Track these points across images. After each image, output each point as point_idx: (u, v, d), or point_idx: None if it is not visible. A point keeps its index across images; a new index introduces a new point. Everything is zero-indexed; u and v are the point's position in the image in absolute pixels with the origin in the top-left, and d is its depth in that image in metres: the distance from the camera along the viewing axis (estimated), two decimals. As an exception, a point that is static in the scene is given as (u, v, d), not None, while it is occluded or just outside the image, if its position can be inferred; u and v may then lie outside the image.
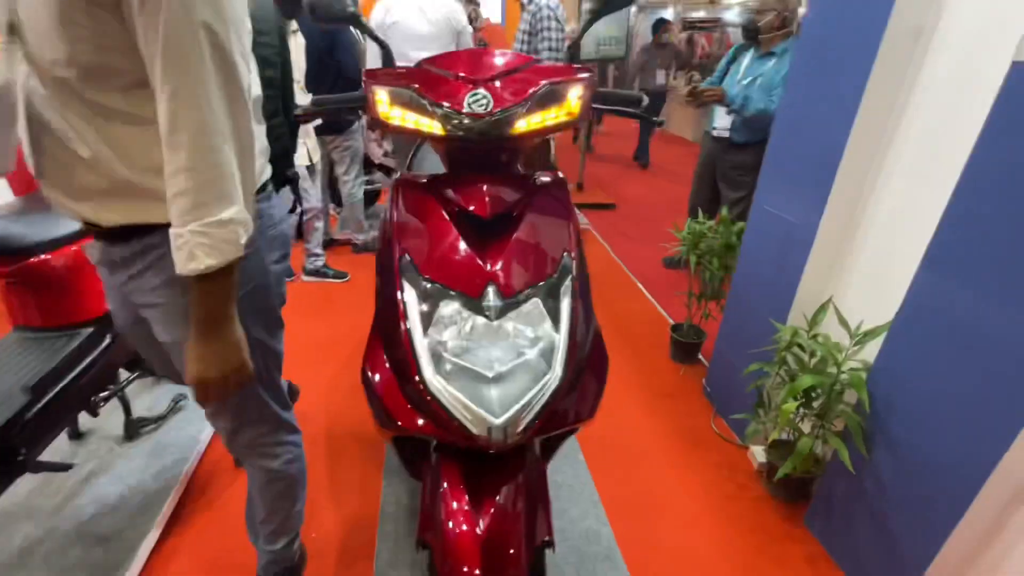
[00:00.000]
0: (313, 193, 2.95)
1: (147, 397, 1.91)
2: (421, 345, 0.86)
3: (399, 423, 0.90)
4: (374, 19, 2.89)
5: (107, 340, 1.56)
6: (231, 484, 1.69)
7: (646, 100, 1.11)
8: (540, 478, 0.98)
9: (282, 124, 1.17)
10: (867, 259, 1.53)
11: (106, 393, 1.58)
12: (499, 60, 1.02)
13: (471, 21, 3.67)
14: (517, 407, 0.82)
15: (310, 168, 2.83)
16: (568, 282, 0.94)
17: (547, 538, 0.95)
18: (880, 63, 1.34)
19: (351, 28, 3.44)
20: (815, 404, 1.53)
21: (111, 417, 1.76)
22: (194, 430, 1.78)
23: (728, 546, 1.57)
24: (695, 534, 1.60)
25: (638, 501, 1.70)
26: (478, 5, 4.05)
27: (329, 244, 3.60)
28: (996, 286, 1.08)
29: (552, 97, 0.97)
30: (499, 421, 0.81)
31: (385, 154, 3.73)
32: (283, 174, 1.22)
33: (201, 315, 0.79)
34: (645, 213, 4.63)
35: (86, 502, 1.51)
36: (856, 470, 1.41)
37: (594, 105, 1.07)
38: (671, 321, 2.72)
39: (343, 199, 3.31)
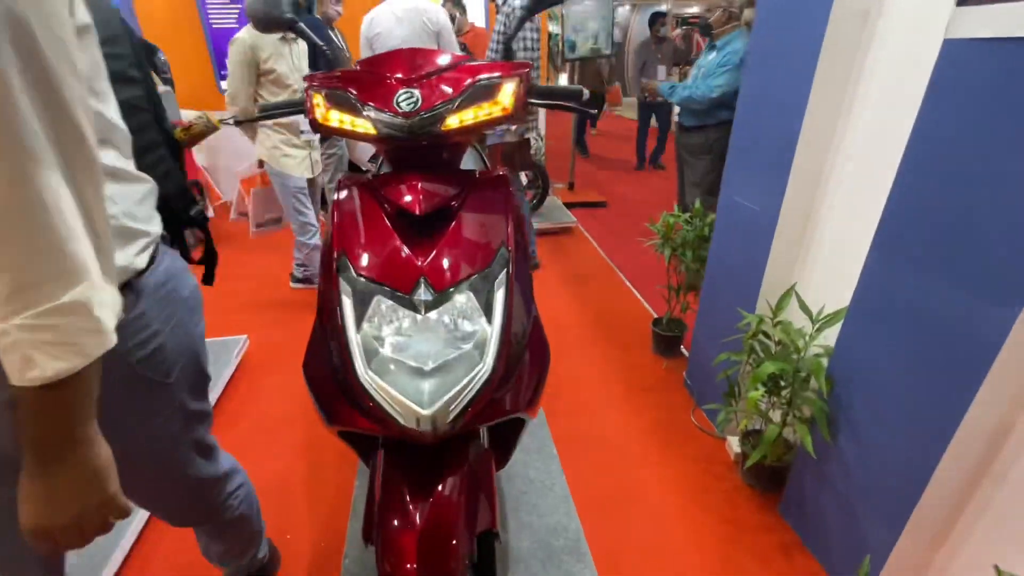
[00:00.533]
0: (312, 210, 2.80)
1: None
2: (354, 341, 0.88)
3: (340, 419, 0.91)
4: (361, 32, 2.94)
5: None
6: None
7: (586, 94, 1.12)
8: (485, 470, 0.99)
9: (165, 158, 0.94)
10: (828, 244, 1.53)
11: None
12: (433, 59, 1.04)
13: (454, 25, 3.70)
14: (445, 398, 0.83)
15: (310, 182, 2.74)
16: (503, 275, 0.95)
17: (492, 528, 0.96)
18: (827, 48, 1.34)
19: (333, 35, 3.47)
20: (784, 392, 1.53)
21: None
22: (173, 436, 1.81)
23: (701, 537, 1.57)
24: (667, 526, 1.60)
25: (611, 495, 1.70)
26: (464, 11, 4.07)
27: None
28: (938, 265, 1.08)
29: (483, 93, 0.99)
30: (427, 412, 0.82)
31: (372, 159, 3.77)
32: (186, 215, 1.01)
33: (40, 439, 0.54)
34: (637, 210, 4.63)
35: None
36: (823, 456, 1.40)
37: (531, 100, 1.08)
38: (655, 315, 2.72)
39: (329, 206, 3.35)
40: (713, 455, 1.88)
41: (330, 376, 0.95)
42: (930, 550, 1.21)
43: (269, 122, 2.37)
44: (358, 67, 1.06)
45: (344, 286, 0.92)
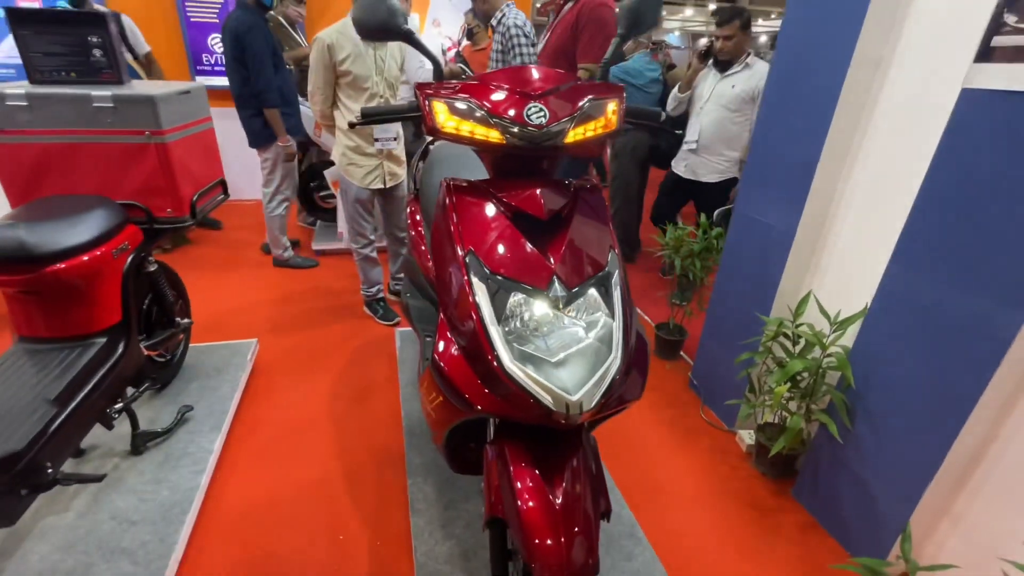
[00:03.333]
0: (370, 223, 2.61)
1: (148, 412, 1.85)
2: (497, 335, 0.94)
3: (478, 407, 0.97)
4: (320, 53, 2.79)
5: (120, 350, 1.53)
6: (253, 491, 1.68)
7: (664, 115, 1.25)
8: (596, 455, 1.08)
9: None
10: (839, 256, 1.75)
11: (119, 405, 1.54)
12: (546, 77, 1.13)
13: (472, 38, 3.73)
14: (590, 384, 0.92)
15: (385, 194, 2.56)
16: (617, 275, 1.05)
17: (606, 509, 1.05)
18: (848, 85, 1.56)
19: (297, 36, 3.39)
20: (801, 386, 1.71)
21: (107, 433, 1.69)
22: (206, 441, 1.75)
23: (728, 520, 1.72)
24: (699, 512, 1.75)
25: (644, 484, 1.83)
26: (486, 28, 3.99)
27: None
28: (954, 275, 1.29)
29: (595, 111, 1.09)
30: (575, 398, 0.90)
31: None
32: None
33: None
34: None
35: (102, 518, 1.45)
36: (838, 442, 1.60)
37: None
38: (652, 323, 2.90)
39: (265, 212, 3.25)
40: (726, 448, 2.06)
41: (464, 368, 1.00)
42: (937, 520, 1.42)
43: (345, 126, 2.32)
44: (476, 80, 1.13)
45: (477, 283, 0.99)
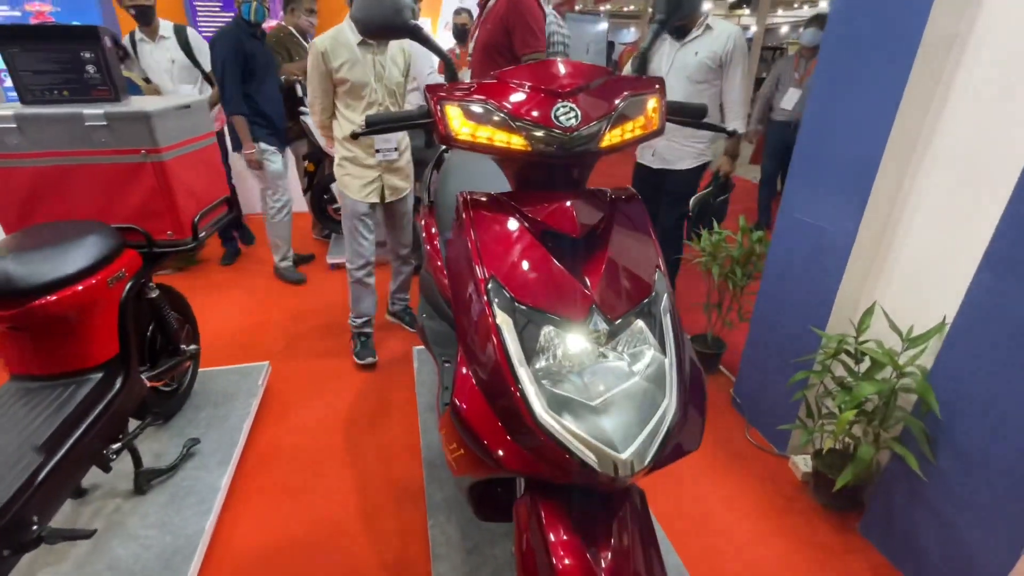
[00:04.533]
0: (370, 239, 2.36)
1: (153, 444, 1.75)
2: (527, 378, 0.79)
3: (504, 464, 0.82)
4: (315, 60, 2.61)
5: (117, 386, 1.42)
6: (262, 533, 1.55)
7: (708, 112, 1.09)
8: (645, 513, 0.91)
9: None
10: (906, 263, 1.54)
11: (118, 445, 1.43)
12: (573, 71, 0.97)
13: (462, 40, 3.62)
14: (641, 438, 0.76)
15: (388, 208, 2.39)
16: (665, 301, 0.89)
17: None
18: (917, 69, 1.36)
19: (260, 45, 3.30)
20: (868, 410, 1.51)
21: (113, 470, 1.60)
22: (213, 478, 1.63)
23: (791, 561, 1.53)
24: (756, 552, 1.55)
25: (689, 518, 1.65)
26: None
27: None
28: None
29: (634, 109, 0.94)
30: (625, 456, 0.74)
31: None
32: None
33: None
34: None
35: (100, 569, 1.34)
36: (916, 475, 1.39)
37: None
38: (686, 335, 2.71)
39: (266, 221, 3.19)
40: (778, 475, 1.86)
41: (488, 416, 0.85)
42: (1049, 569, 1.21)
43: (341, 135, 2.20)
44: (488, 79, 0.99)
45: (501, 315, 0.84)
